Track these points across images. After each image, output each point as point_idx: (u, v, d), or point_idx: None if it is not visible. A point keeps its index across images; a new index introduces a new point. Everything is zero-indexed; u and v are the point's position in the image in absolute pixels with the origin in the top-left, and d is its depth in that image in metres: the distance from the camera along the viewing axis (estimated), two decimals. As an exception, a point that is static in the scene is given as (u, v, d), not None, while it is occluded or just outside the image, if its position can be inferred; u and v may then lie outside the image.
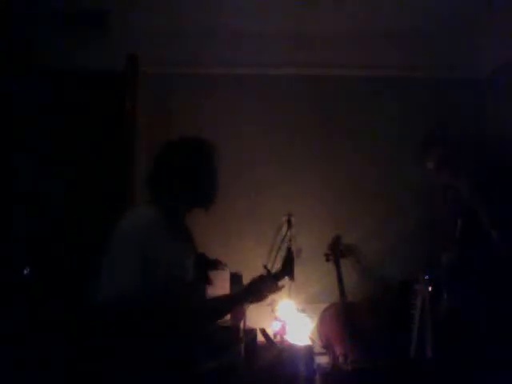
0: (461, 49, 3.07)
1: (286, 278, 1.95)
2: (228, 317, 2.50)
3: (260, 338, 2.61)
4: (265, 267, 1.95)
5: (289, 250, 2.06)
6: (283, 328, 2.75)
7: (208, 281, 2.11)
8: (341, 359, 2.67)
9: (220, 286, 2.50)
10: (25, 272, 2.59)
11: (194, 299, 1.77)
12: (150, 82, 3.05)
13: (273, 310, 2.86)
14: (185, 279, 1.72)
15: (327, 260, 2.97)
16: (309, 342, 2.69)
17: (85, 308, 1.57)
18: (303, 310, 2.85)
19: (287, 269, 1.97)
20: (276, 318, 2.81)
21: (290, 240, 2.26)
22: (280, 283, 1.87)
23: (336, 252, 2.98)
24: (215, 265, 2.41)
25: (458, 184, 2.31)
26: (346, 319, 2.78)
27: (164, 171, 1.73)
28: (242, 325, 2.62)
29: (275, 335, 2.73)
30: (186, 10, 2.79)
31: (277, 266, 2.92)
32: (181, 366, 1.62)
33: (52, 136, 2.85)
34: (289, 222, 2.99)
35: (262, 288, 1.77)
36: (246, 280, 2.84)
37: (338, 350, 2.71)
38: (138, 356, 1.51)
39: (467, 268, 2.24)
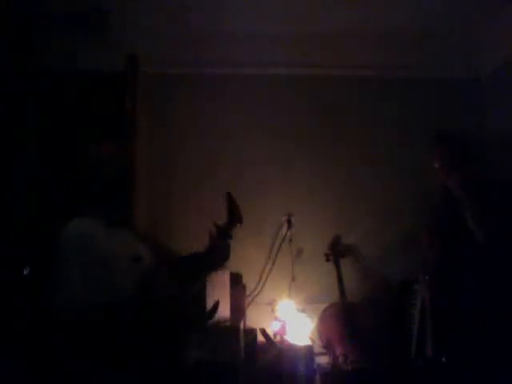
0: (461, 49, 3.07)
1: (237, 224, 1.92)
2: (228, 317, 2.49)
3: (260, 338, 2.62)
4: (214, 224, 1.89)
5: (228, 195, 1.94)
6: (283, 328, 2.75)
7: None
8: (341, 359, 2.66)
9: (220, 286, 2.50)
10: (25, 272, 2.59)
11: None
12: (150, 82, 3.05)
13: (273, 310, 2.86)
14: (128, 282, 1.70)
15: (327, 260, 2.97)
16: (309, 342, 2.69)
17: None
18: (303, 310, 2.85)
19: (233, 216, 1.91)
20: (276, 318, 2.81)
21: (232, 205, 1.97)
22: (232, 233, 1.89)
23: (336, 252, 2.98)
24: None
25: (449, 183, 2.32)
26: (346, 319, 2.78)
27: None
28: (241, 325, 2.62)
29: (275, 335, 2.73)
30: (186, 10, 2.80)
31: (277, 266, 2.97)
32: (177, 364, 1.63)
33: (52, 136, 2.84)
34: (289, 221, 3.00)
35: (221, 245, 1.81)
36: (246, 280, 2.88)
37: (338, 350, 2.71)
38: (135, 355, 1.53)
39: (456, 268, 2.24)
